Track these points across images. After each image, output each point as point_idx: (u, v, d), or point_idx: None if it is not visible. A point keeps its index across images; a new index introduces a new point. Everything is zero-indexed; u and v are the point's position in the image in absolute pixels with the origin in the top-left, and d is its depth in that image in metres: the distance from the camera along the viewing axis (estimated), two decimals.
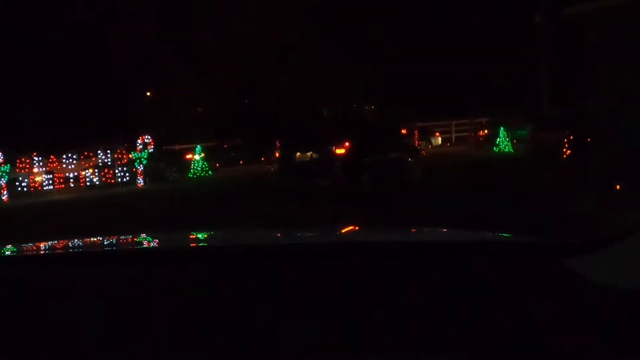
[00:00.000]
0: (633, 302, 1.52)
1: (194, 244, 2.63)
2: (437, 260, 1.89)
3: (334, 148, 15.59)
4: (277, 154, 17.49)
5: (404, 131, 26.53)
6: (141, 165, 26.95)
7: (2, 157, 25.48)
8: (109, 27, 39.02)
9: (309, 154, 15.93)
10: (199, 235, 2.86)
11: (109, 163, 27.23)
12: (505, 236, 2.43)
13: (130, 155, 27.15)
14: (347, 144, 15.72)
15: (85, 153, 27.45)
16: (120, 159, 27.22)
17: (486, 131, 34.08)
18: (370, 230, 3.22)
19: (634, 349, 1.39)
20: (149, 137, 27.34)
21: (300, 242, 2.48)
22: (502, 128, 31.22)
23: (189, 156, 31.41)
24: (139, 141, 27.15)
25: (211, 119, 47.57)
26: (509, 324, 1.49)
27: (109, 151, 27.19)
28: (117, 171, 27.05)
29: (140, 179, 26.86)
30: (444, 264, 1.85)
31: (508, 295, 1.64)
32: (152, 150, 27.36)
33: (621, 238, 1.67)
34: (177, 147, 39.02)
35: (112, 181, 26.97)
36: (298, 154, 16.19)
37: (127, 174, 27.06)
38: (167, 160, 30.84)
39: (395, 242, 2.30)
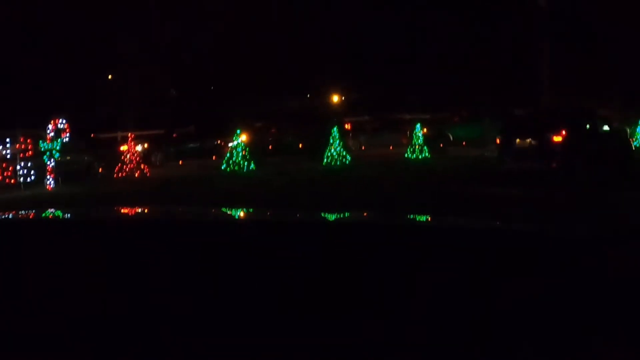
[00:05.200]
0: None
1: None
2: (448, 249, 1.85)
3: (552, 136, 16.89)
4: (497, 141, 19.07)
5: None
6: (52, 160, 19.92)
7: None
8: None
9: (528, 140, 17.25)
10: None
11: (9, 157, 20.12)
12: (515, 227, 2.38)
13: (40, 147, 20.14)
14: (564, 132, 16.96)
15: None
16: (24, 151, 20.11)
17: None
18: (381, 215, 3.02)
19: None
20: (64, 121, 20.25)
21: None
22: None
23: (123, 147, 24.51)
24: (50, 127, 20.11)
25: (164, 103, 42.26)
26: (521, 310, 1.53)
27: (8, 141, 20.09)
28: (18, 168, 19.93)
29: (51, 179, 19.83)
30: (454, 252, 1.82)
31: (515, 286, 1.63)
32: (67, 139, 20.31)
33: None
34: (119, 134, 32.19)
35: (13, 181, 19.89)
36: (518, 140, 17.48)
37: (32, 172, 19.99)
38: (94, 153, 24.04)
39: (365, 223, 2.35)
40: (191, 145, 29.33)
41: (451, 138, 26.23)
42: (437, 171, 19.17)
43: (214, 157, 25.30)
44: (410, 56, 37.86)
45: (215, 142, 28.60)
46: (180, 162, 26.81)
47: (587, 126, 17.92)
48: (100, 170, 23.14)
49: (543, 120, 18.25)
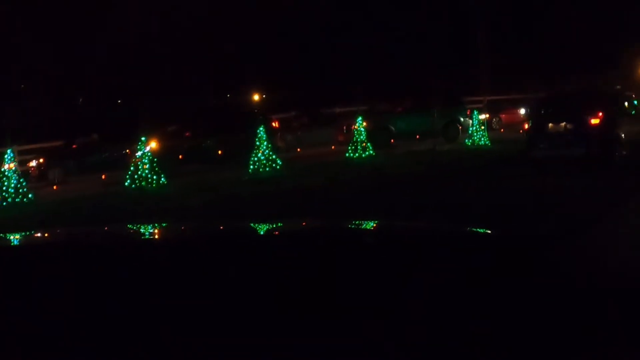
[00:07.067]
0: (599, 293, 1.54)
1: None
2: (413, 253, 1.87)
3: (589, 118, 16.24)
4: (526, 126, 18.25)
5: None
6: None
7: None
8: None
9: (562, 124, 16.41)
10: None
11: None
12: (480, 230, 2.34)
13: None
14: (601, 114, 16.28)
15: None
16: None
17: None
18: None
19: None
20: None
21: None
22: None
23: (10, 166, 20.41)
24: None
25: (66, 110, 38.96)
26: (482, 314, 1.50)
27: None
28: None
29: None
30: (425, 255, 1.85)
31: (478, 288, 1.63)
32: None
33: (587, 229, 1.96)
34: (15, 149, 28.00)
35: None
36: (550, 124, 16.62)
37: None
38: None
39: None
40: (94, 156, 25.36)
41: (394, 131, 23.12)
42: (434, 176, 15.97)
43: (103, 177, 20.84)
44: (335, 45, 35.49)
45: (123, 152, 24.73)
46: (55, 188, 21.81)
47: (622, 107, 17.52)
48: None
49: (577, 102, 17.21)
